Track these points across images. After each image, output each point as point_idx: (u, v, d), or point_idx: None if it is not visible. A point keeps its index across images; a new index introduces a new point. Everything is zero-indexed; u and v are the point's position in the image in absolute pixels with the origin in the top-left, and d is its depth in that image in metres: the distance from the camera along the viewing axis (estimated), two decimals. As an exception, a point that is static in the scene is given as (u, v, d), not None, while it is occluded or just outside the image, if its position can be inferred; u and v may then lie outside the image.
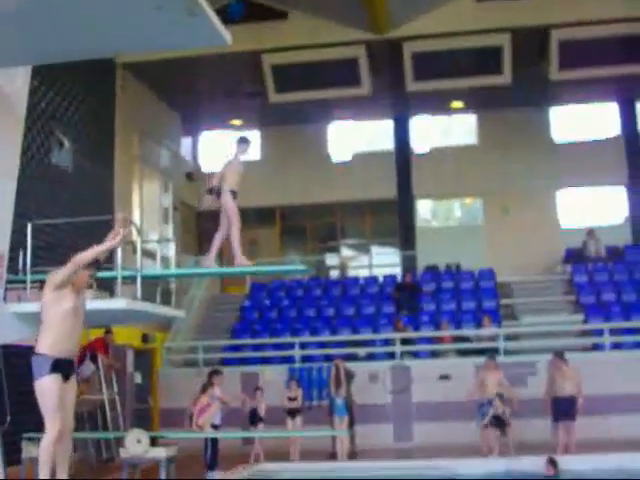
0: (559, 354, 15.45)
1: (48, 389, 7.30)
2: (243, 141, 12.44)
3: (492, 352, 16.87)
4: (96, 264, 7.94)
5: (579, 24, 20.24)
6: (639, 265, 22.28)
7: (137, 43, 7.97)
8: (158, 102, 23.24)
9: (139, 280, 10.68)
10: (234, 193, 11.42)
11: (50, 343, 7.40)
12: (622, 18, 19.99)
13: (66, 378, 7.48)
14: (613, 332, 18.78)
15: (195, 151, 27.46)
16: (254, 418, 15.14)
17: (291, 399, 15.58)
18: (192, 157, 27.08)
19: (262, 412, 15.14)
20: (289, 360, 19.34)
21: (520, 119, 25.50)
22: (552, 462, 11.94)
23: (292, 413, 15.53)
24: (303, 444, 15.39)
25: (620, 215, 25.60)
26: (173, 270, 13.62)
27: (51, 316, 7.46)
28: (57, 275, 7.66)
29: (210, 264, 11.14)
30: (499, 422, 14.18)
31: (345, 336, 20.26)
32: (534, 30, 20.52)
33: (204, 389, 13.89)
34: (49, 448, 7.29)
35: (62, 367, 7.40)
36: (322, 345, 19.85)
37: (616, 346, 18.72)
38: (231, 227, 11.19)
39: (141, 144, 21.59)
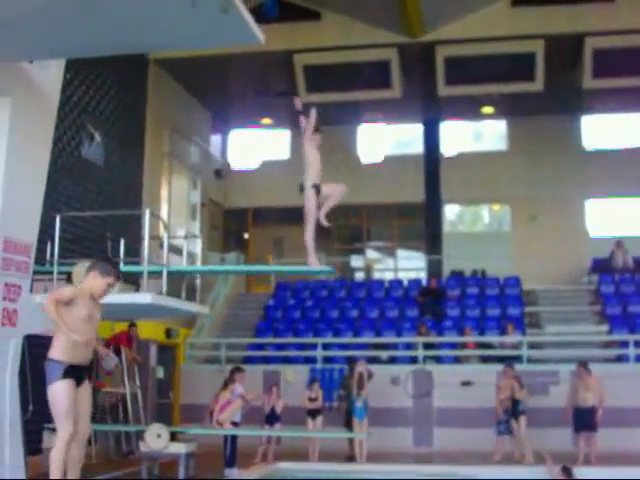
0: (583, 364, 15.40)
1: (59, 395, 7.26)
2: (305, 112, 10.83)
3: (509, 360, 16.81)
4: (117, 275, 7.79)
5: (614, 33, 20.08)
6: (666, 277, 22.12)
7: (169, 40, 8.00)
8: (189, 99, 23.33)
9: (165, 275, 10.72)
10: (316, 187, 10.65)
11: (63, 349, 7.32)
12: (656, 28, 19.85)
13: (79, 383, 7.44)
14: (638, 344, 18.62)
15: (224, 149, 27.54)
16: (270, 417, 15.13)
17: (312, 399, 15.58)
18: (221, 155, 27.17)
19: (279, 410, 15.14)
20: (311, 360, 19.36)
21: (551, 126, 25.36)
22: (566, 470, 11.78)
23: (313, 413, 15.54)
24: (321, 445, 15.39)
25: (649, 226, 25.37)
26: (199, 266, 13.68)
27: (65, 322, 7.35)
28: (50, 300, 7.43)
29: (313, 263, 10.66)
30: None
31: (368, 338, 20.26)
32: (568, 37, 20.39)
33: (226, 385, 13.94)
34: (60, 455, 7.20)
35: (75, 373, 7.36)
36: (344, 347, 19.86)
37: (641, 358, 18.59)
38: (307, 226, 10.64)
39: (171, 140, 21.69)
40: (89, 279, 7.61)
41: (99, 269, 7.59)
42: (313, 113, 10.25)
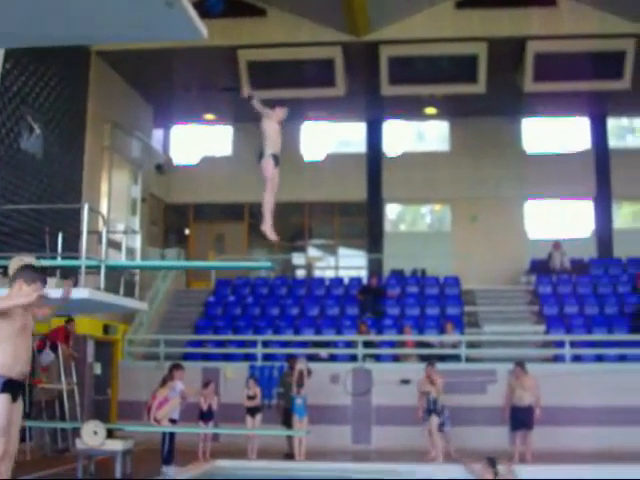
0: (520, 364, 15.60)
1: None
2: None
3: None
4: (43, 281, 7.47)
5: (555, 37, 20.38)
6: (603, 279, 22.51)
7: (112, 33, 7.86)
8: (131, 92, 23.07)
9: (103, 270, 10.59)
10: (276, 157, 10.93)
11: (3, 363, 7.05)
12: (597, 34, 20.17)
13: (14, 399, 7.17)
14: (574, 344, 18.93)
15: (166, 143, 27.32)
16: (206, 414, 15.02)
17: (250, 397, 15.54)
18: (163, 149, 26.94)
19: (215, 407, 15.06)
20: (251, 358, 19.31)
21: (492, 128, 25.66)
22: (490, 462, 11.73)
23: (252, 411, 15.49)
24: (260, 442, 15.35)
25: (587, 229, 25.82)
26: (137, 262, 13.52)
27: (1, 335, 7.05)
28: None
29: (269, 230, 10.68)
30: None
31: (308, 336, 20.25)
32: (511, 41, 20.60)
33: (164, 382, 13.83)
34: None
35: (13, 388, 7.10)
36: (284, 344, 19.82)
37: (577, 358, 18.87)
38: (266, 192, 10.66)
39: (112, 134, 21.42)
40: (15, 289, 7.29)
41: (24, 277, 7.28)
42: (255, 100, 10.43)
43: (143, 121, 24.20)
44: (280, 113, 10.61)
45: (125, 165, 22.65)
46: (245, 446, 15.24)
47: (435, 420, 15.34)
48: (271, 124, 10.52)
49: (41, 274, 7.38)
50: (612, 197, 25.51)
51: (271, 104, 10.76)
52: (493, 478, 12.75)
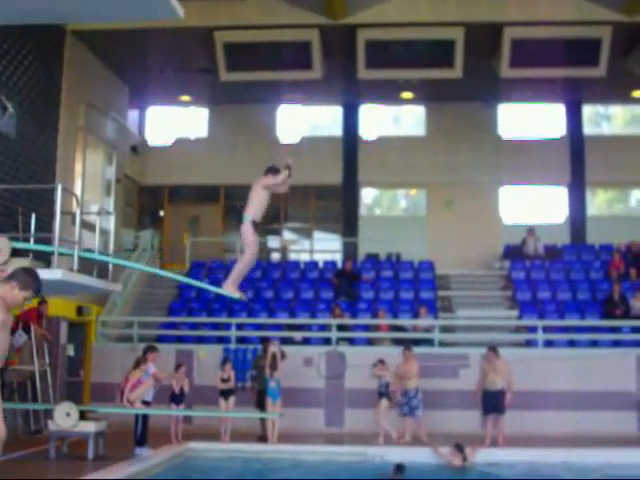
0: (493, 348, 15.69)
1: None
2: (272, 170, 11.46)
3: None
4: (36, 291, 7.36)
5: (532, 24, 20.44)
6: (576, 265, 22.68)
7: (87, 11, 7.82)
8: (107, 73, 22.87)
9: (76, 251, 10.53)
10: (255, 224, 10.60)
11: None
12: (574, 21, 20.25)
13: None
14: (547, 329, 19.07)
15: (142, 125, 27.16)
16: (177, 397, 15.00)
17: (224, 380, 15.54)
18: (138, 130, 26.79)
19: (186, 389, 15.04)
20: (225, 340, 19.30)
21: (468, 113, 25.74)
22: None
23: (225, 394, 15.49)
24: (234, 425, 15.37)
25: (561, 215, 25.98)
26: (109, 258, 13.46)
27: None
28: None
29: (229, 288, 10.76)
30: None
31: (282, 319, 20.26)
32: (488, 26, 20.64)
33: (137, 364, 13.79)
34: None
35: None
36: (259, 327, 19.82)
37: (549, 343, 19.01)
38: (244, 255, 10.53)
39: (87, 114, 21.24)
40: (7, 288, 7.16)
41: (19, 281, 7.14)
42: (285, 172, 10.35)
43: (118, 102, 24.02)
44: (282, 181, 10.58)
45: (100, 146, 22.49)
46: (219, 428, 15.25)
47: (384, 403, 15.49)
48: (261, 192, 10.42)
49: (36, 282, 7.22)
50: (586, 184, 25.70)
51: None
52: (461, 463, 12.99)
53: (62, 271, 10.04)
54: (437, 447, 13.85)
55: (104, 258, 12.97)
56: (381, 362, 15.78)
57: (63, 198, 10.78)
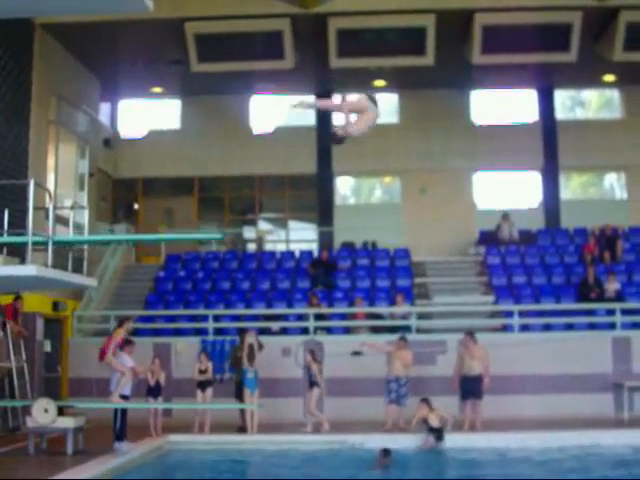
0: (470, 333, 15.79)
1: None
2: None
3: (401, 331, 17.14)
4: None
5: (503, 10, 20.50)
6: (550, 249, 22.82)
7: (56, 5, 7.75)
8: (77, 66, 22.72)
9: (50, 246, 10.46)
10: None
11: None
12: (544, 6, 20.35)
13: None
14: (522, 314, 19.19)
15: (114, 117, 27.01)
16: (154, 389, 14.95)
17: (202, 371, 15.53)
18: (111, 123, 26.65)
19: (162, 382, 15.00)
20: (202, 332, 19.26)
21: (441, 100, 25.80)
22: (385, 452, 12.33)
23: (202, 385, 15.48)
24: (212, 417, 15.37)
25: (534, 200, 26.13)
26: (85, 237, 13.37)
27: None
28: None
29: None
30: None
31: (259, 310, 20.25)
32: (458, 13, 20.68)
33: (120, 324, 13.65)
34: None
35: None
36: (236, 318, 19.80)
37: (525, 328, 19.13)
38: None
39: (58, 107, 21.11)
40: None
41: None
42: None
43: (90, 95, 23.88)
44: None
45: (72, 139, 22.36)
46: (200, 421, 15.23)
47: (316, 392, 15.65)
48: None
49: None
50: (560, 168, 25.86)
51: None
52: (428, 412, 13.46)
53: (37, 267, 9.97)
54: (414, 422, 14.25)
55: (79, 238, 12.90)
56: (311, 352, 15.90)
57: (36, 193, 10.71)
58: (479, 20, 20.57)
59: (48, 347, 18.46)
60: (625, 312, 18.94)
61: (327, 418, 15.75)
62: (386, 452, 12.29)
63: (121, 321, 13.92)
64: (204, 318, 19.53)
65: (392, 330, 18.20)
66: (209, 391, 15.51)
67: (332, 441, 14.47)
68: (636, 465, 12.88)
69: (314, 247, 25.41)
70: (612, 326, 18.78)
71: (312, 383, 15.70)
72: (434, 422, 14.10)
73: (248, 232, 27.52)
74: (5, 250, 11.83)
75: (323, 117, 26.29)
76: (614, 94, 26.76)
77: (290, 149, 25.84)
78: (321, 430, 15.42)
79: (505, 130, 25.83)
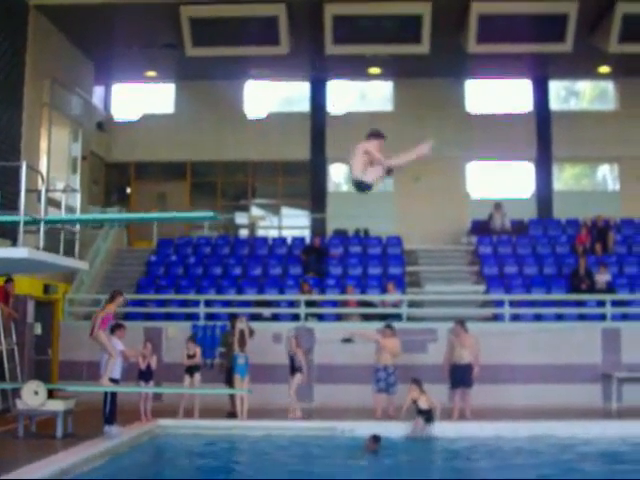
0: (460, 322, 15.82)
1: None
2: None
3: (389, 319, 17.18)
4: None
5: (499, -1, 20.48)
6: (542, 240, 22.86)
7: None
8: (72, 48, 22.59)
9: (42, 229, 10.43)
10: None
11: None
12: (541, -4, 20.31)
13: None
14: (513, 304, 19.23)
15: (107, 101, 26.94)
16: (145, 374, 14.96)
17: (190, 356, 15.54)
18: (104, 107, 26.57)
19: (154, 366, 15.00)
20: (193, 317, 19.27)
21: (436, 89, 25.78)
22: (374, 439, 12.43)
23: (190, 370, 15.49)
24: (202, 402, 15.38)
25: (527, 190, 26.15)
26: (76, 216, 13.34)
27: None
28: None
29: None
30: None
31: (251, 296, 20.27)
32: (455, 1, 20.62)
33: (112, 298, 13.59)
34: None
35: None
36: (227, 304, 19.81)
37: (515, 317, 19.18)
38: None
39: (52, 90, 20.99)
40: None
41: None
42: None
43: (84, 78, 23.77)
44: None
45: (65, 122, 22.26)
46: (188, 405, 15.24)
47: (299, 378, 15.73)
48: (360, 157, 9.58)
49: None
50: (553, 159, 25.88)
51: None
52: (419, 394, 13.53)
53: (28, 249, 9.94)
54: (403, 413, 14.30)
55: (70, 217, 12.86)
56: (296, 338, 15.93)
57: (28, 175, 10.67)
58: (475, 9, 20.50)
59: (39, 330, 18.44)
60: (615, 303, 19.04)
61: (317, 405, 15.79)
62: (376, 439, 12.35)
63: (112, 295, 13.81)
64: (195, 303, 19.54)
65: (383, 318, 18.23)
66: (197, 376, 15.52)
67: (322, 427, 14.50)
68: (625, 456, 12.96)
69: (306, 234, 25.41)
70: (602, 317, 18.87)
71: (296, 369, 15.73)
72: (423, 404, 14.18)
73: (240, 218, 27.50)
74: (-3, 232, 11.81)
75: (317, 103, 26.30)
76: (609, 86, 26.77)
77: (284, 135, 25.81)
78: (291, 416, 15.43)
79: (499, 120, 25.83)
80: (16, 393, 13.40)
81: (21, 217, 10.19)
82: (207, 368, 17.15)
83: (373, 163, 9.45)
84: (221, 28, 21.12)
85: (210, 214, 11.10)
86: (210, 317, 19.30)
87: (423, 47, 21.26)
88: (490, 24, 20.65)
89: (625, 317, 19.06)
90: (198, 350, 15.71)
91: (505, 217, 23.66)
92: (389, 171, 9.67)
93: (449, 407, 15.36)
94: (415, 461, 12.80)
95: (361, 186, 9.34)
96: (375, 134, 9.63)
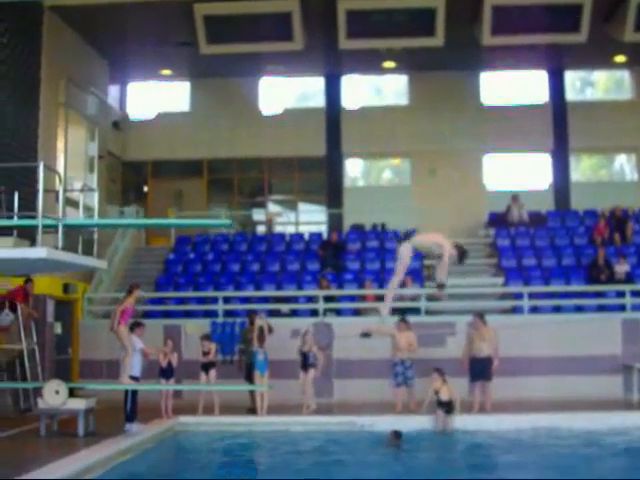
0: (479, 315, 15.78)
1: None
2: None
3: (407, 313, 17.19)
4: None
5: (513, -10, 20.39)
6: (560, 231, 22.76)
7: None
8: (86, 48, 22.68)
9: (60, 229, 10.49)
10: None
11: None
12: (555, -14, 20.21)
13: None
14: (532, 296, 19.16)
15: (123, 100, 27.01)
16: (166, 371, 15.04)
17: (205, 353, 15.58)
18: (120, 106, 26.66)
19: (174, 364, 15.07)
20: (212, 314, 19.31)
21: (451, 82, 25.70)
22: (396, 434, 12.54)
23: (205, 367, 15.53)
24: (222, 398, 15.42)
25: (544, 181, 26.05)
26: (95, 220, 13.41)
27: None
28: None
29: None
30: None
31: (269, 292, 20.28)
32: (469, -7, 20.59)
33: (130, 292, 13.63)
34: None
35: None
36: (245, 300, 19.85)
37: (534, 309, 19.12)
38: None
39: (67, 90, 21.09)
40: None
41: None
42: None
43: (99, 77, 23.86)
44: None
45: (81, 122, 22.36)
46: (208, 403, 15.28)
47: (312, 373, 15.77)
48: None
49: None
50: (570, 150, 25.77)
51: None
52: (441, 384, 13.49)
53: (47, 249, 10.00)
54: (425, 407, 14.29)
55: (89, 222, 12.93)
56: (309, 334, 15.98)
57: (45, 176, 10.72)
58: (489, 0, 20.43)
59: (59, 329, 18.55)
60: (635, 294, 18.94)
61: (336, 400, 15.78)
62: (397, 434, 12.36)
63: (130, 288, 13.86)
64: (214, 300, 19.59)
65: (401, 312, 18.19)
66: (212, 373, 15.55)
67: (342, 422, 14.52)
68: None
69: (323, 229, 25.42)
70: (622, 308, 18.78)
71: (310, 365, 15.73)
72: (444, 396, 14.12)
73: (257, 214, 27.53)
74: (15, 233, 11.86)
75: (332, 98, 26.28)
76: (624, 75, 26.61)
77: (299, 131, 25.82)
78: (305, 412, 15.44)
79: (515, 111, 25.73)
80: (37, 392, 13.48)
81: (39, 220, 10.24)
82: (227, 364, 17.19)
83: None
84: (235, 25, 21.15)
85: (225, 222, 11.16)
86: (229, 314, 19.32)
87: (437, 40, 21.19)
88: (504, 15, 20.57)
89: (645, 307, 18.99)
90: (213, 347, 15.75)
91: (522, 209, 23.56)
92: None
93: (469, 401, 15.33)
94: (436, 456, 12.78)
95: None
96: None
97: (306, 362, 15.78)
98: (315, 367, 15.80)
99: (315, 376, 15.89)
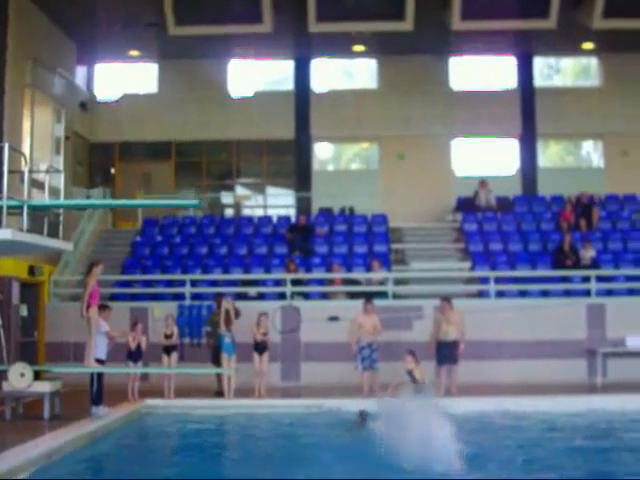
0: (447, 299, 15.87)
1: None
2: None
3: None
4: None
5: (482, -25, 20.43)
6: (527, 217, 22.92)
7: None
8: (53, 29, 22.43)
9: (25, 210, 10.39)
10: None
11: None
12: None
13: None
14: (498, 280, 19.30)
15: (90, 81, 26.73)
16: (134, 354, 15.00)
17: (167, 336, 15.57)
18: (87, 87, 26.39)
19: (144, 347, 15.05)
20: (179, 297, 19.25)
21: (420, 66, 25.74)
22: (362, 415, 12.67)
23: (168, 350, 15.53)
24: (190, 381, 15.41)
25: (512, 167, 26.19)
26: (60, 201, 13.29)
27: None
28: None
29: None
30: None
31: (237, 275, 20.26)
32: (438, -22, 20.60)
33: (90, 270, 13.44)
34: None
35: None
36: (213, 283, 19.81)
37: (501, 294, 19.26)
38: None
39: (34, 71, 20.88)
40: None
41: None
42: None
43: (66, 58, 23.61)
44: None
45: (48, 103, 22.13)
46: (179, 385, 15.26)
47: (266, 357, 15.78)
48: None
49: None
50: (537, 136, 25.92)
51: None
52: (415, 366, 13.50)
53: (11, 231, 9.92)
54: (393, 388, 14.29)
55: (54, 202, 12.80)
56: (264, 315, 15.95)
57: (11, 157, 10.61)
58: (459, -15, 20.49)
59: (24, 311, 18.42)
60: (600, 279, 19.16)
61: (303, 383, 15.78)
62: (363, 414, 12.44)
63: (90, 266, 13.69)
64: (181, 283, 19.53)
65: (369, 295, 18.24)
66: (174, 355, 15.61)
67: (310, 405, 14.55)
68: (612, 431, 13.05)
69: (292, 212, 25.40)
70: (587, 293, 18.99)
71: (266, 348, 15.75)
72: (417, 375, 14.06)
73: (226, 197, 27.44)
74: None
75: (301, 82, 26.20)
76: (592, 62, 26.78)
77: (268, 114, 25.74)
78: (256, 396, 15.44)
79: (483, 97, 25.84)
80: (2, 375, 13.38)
81: (4, 201, 10.14)
82: (194, 347, 17.20)
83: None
84: (204, 6, 21.00)
85: (195, 202, 11.10)
86: (196, 297, 19.28)
87: (407, 24, 21.20)
88: (474, 1, 20.61)
89: (610, 293, 19.19)
90: (175, 330, 15.75)
91: (490, 194, 23.68)
92: None
93: (435, 384, 15.42)
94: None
95: None
96: None
97: (260, 346, 15.72)
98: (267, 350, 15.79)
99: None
